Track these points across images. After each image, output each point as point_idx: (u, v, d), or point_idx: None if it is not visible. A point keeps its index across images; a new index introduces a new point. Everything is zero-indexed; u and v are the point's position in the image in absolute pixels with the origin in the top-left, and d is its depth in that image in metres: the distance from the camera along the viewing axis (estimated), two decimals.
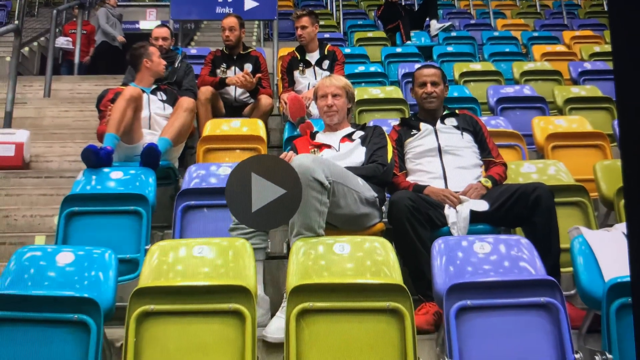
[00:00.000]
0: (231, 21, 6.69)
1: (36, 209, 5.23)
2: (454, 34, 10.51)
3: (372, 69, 7.97)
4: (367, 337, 2.83)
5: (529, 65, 8.00)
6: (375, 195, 3.94)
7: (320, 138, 4.45)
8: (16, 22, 8.00)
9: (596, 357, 2.88)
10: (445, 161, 4.25)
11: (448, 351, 2.85)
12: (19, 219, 5.14)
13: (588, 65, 7.99)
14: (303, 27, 6.66)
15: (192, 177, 4.76)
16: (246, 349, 2.78)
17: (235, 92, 6.48)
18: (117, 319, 3.19)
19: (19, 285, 3.26)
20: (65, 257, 3.40)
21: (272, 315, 3.47)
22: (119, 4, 12.46)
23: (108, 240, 3.86)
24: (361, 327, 2.85)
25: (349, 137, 4.35)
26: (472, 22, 12.32)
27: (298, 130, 5.32)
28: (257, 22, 12.06)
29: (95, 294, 2.93)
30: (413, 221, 3.69)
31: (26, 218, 5.15)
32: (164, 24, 7.30)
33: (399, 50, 9.11)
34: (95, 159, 4.64)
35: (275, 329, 3.27)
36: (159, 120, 5.40)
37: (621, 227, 3.49)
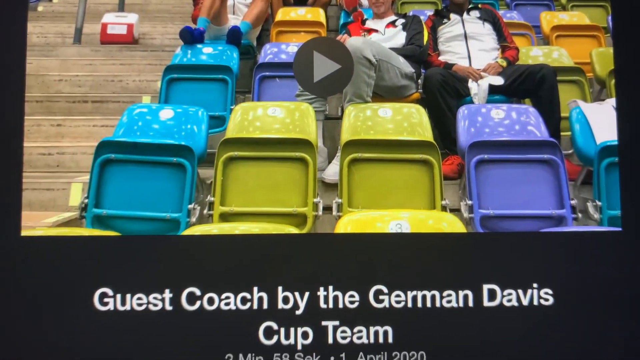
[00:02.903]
0: None
1: (143, 75, 5.21)
2: None
3: None
4: (403, 181, 2.85)
5: None
6: (413, 70, 3.86)
7: (369, 24, 4.31)
8: None
9: (588, 203, 2.86)
10: (469, 45, 4.13)
11: (468, 194, 2.85)
12: (130, 83, 5.14)
13: None
14: None
15: (267, 54, 4.68)
16: (309, 187, 2.82)
17: None
18: (208, 162, 3.18)
19: (130, 134, 3.28)
20: (166, 113, 3.42)
21: (329, 162, 3.47)
22: None
23: (201, 101, 3.80)
24: (399, 174, 2.86)
25: (392, 23, 4.21)
26: None
27: (351, 17, 5.18)
28: None
29: (190, 142, 2.97)
30: (443, 92, 3.65)
31: (136, 82, 5.13)
32: None
33: None
34: (190, 37, 4.62)
35: (332, 172, 3.29)
36: (241, 7, 5.28)
37: (611, 102, 3.41)
